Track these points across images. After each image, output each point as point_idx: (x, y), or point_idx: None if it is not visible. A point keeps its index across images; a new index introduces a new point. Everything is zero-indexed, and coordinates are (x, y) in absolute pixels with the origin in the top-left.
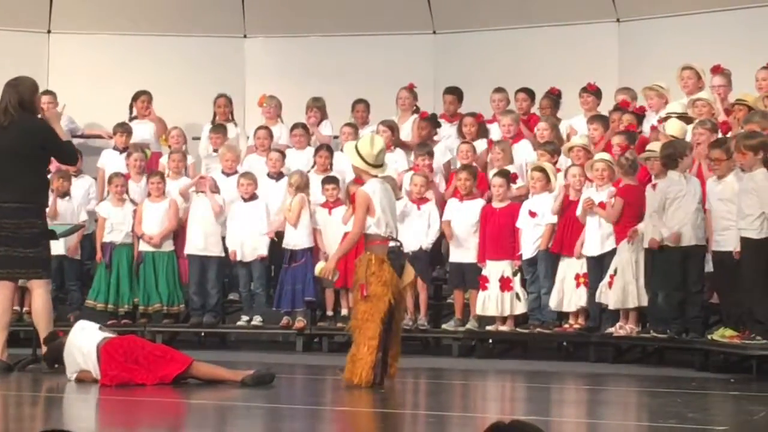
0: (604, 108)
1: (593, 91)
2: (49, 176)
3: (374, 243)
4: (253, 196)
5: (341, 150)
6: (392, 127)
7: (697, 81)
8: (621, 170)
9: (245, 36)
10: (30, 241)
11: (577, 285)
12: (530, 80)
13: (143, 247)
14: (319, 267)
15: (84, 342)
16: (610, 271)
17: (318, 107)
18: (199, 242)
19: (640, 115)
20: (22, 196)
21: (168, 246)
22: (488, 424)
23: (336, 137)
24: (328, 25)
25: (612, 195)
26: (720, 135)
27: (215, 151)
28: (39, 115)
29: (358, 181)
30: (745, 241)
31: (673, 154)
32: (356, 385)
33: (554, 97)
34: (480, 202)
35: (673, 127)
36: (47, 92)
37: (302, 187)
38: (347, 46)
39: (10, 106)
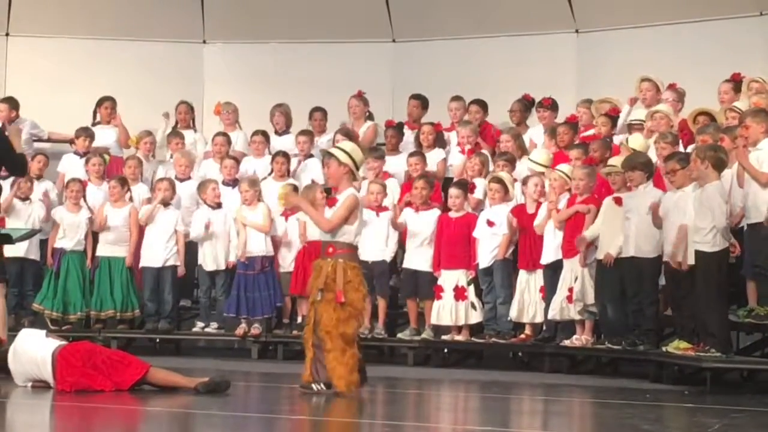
0: (563, 118)
1: (549, 106)
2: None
3: (344, 251)
4: (219, 204)
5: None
6: (349, 134)
7: (656, 93)
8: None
9: (204, 41)
10: None
11: (543, 297)
12: (489, 90)
13: (100, 252)
14: (283, 194)
15: (36, 350)
16: (568, 285)
17: (282, 113)
18: (157, 254)
19: (614, 118)
20: None
21: (124, 252)
22: None
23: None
24: (288, 32)
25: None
26: (681, 147)
27: (171, 156)
28: None
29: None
30: (698, 254)
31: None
32: (345, 392)
33: (527, 103)
34: (436, 212)
35: (636, 142)
36: (7, 99)
37: (258, 196)
38: (306, 53)
39: None
